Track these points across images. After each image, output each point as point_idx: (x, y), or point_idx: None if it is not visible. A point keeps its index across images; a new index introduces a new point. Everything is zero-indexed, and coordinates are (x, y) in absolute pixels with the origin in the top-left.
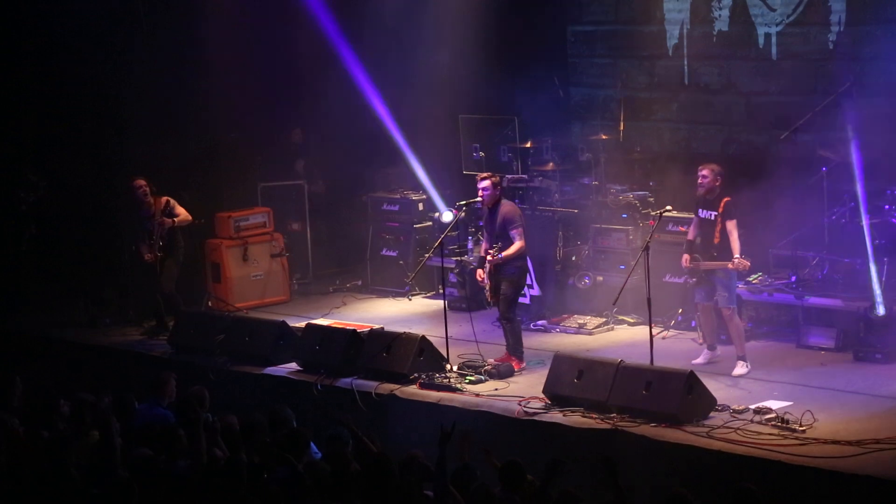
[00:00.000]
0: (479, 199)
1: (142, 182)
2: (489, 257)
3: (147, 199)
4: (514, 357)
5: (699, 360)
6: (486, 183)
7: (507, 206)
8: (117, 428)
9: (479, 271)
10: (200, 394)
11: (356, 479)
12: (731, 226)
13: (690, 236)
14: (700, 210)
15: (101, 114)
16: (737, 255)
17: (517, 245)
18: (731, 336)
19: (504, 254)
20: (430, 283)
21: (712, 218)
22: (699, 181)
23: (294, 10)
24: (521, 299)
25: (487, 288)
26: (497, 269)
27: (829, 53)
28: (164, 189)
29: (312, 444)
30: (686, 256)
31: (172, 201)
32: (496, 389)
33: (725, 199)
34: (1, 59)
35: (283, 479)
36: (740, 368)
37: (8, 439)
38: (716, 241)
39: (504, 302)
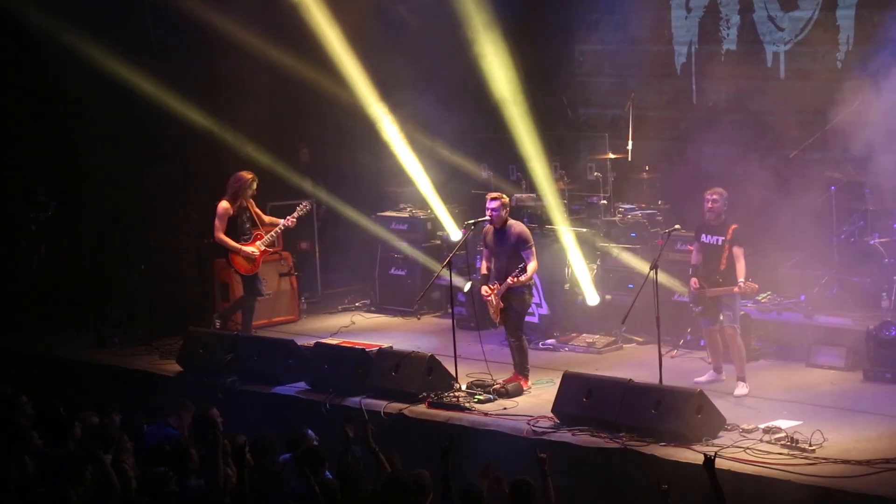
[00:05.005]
0: (487, 218)
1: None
2: (510, 280)
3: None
4: (521, 376)
5: (702, 379)
6: (496, 203)
7: (519, 227)
8: (127, 446)
9: (485, 289)
10: (213, 415)
11: (368, 498)
12: (739, 252)
13: (694, 261)
14: (704, 235)
15: (109, 134)
16: (741, 279)
17: (533, 266)
18: (732, 356)
19: (524, 277)
20: (438, 302)
21: (719, 243)
22: (708, 206)
23: (299, 29)
24: (529, 318)
25: (495, 309)
26: (507, 288)
27: (837, 72)
28: (174, 207)
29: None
30: (694, 280)
31: None
32: (505, 408)
33: (734, 226)
34: (10, 82)
35: (298, 494)
36: (741, 389)
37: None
38: (722, 266)
39: (514, 320)
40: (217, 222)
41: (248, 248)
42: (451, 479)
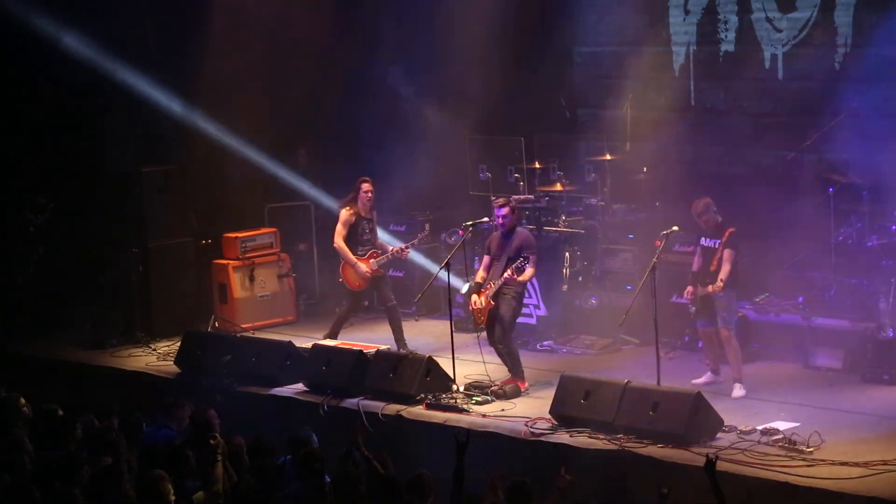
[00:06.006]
0: (485, 220)
1: (370, 186)
2: (507, 274)
3: (372, 205)
4: (517, 378)
5: (700, 381)
6: (505, 210)
7: (525, 232)
8: (125, 451)
9: (475, 298)
10: (210, 416)
11: (364, 500)
12: (728, 255)
13: (695, 267)
14: (703, 239)
15: (108, 135)
16: (721, 279)
17: (531, 271)
18: (728, 357)
19: (522, 277)
20: (436, 303)
21: (715, 246)
22: (700, 222)
23: (299, 30)
24: (528, 320)
25: (483, 311)
26: (498, 292)
27: (835, 74)
28: (172, 209)
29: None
30: (689, 288)
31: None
32: (503, 410)
33: (730, 230)
34: (7, 82)
35: (297, 496)
36: (738, 391)
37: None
38: (712, 268)
39: (502, 326)
40: (338, 226)
41: (362, 265)
42: (465, 475)
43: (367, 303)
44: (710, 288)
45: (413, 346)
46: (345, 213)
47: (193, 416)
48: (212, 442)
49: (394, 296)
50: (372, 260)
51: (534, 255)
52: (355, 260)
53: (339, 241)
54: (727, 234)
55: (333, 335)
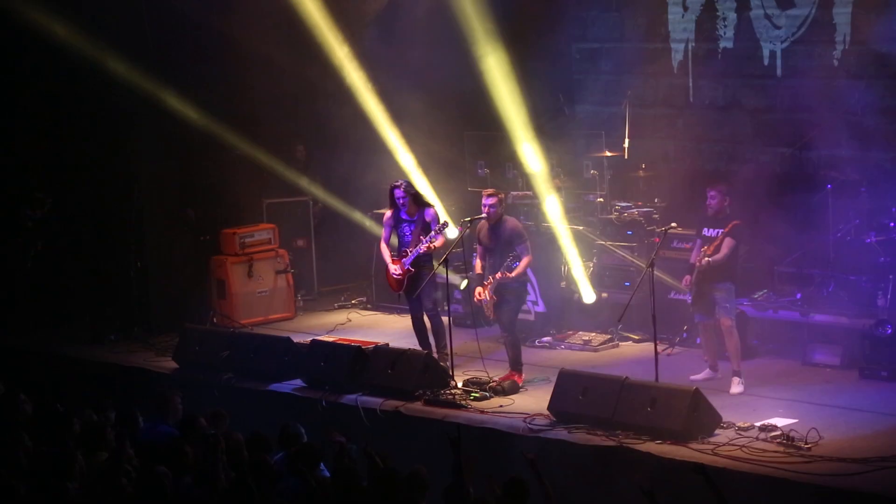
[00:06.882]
0: (484, 214)
1: (401, 192)
2: (499, 275)
3: (413, 206)
4: (515, 371)
5: (699, 377)
6: (493, 199)
7: (512, 222)
8: (122, 446)
9: (479, 290)
10: (218, 416)
11: (363, 495)
12: (728, 242)
13: (693, 259)
14: (706, 229)
15: (106, 130)
16: (709, 258)
17: (526, 260)
18: (728, 349)
19: (516, 272)
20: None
21: (717, 235)
22: (707, 202)
23: (297, 26)
24: (525, 316)
25: (489, 305)
26: (501, 283)
27: (833, 71)
28: (171, 205)
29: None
30: (687, 277)
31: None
32: (501, 406)
33: (735, 222)
34: (6, 77)
35: (294, 492)
36: (736, 386)
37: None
38: (709, 252)
39: (508, 314)
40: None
41: (391, 266)
42: (463, 469)
43: (365, 298)
44: (702, 260)
45: (411, 342)
46: (384, 217)
47: (186, 418)
48: (210, 439)
49: (432, 300)
50: (404, 259)
51: (526, 242)
52: (388, 261)
53: (380, 244)
54: (731, 225)
55: (441, 349)
